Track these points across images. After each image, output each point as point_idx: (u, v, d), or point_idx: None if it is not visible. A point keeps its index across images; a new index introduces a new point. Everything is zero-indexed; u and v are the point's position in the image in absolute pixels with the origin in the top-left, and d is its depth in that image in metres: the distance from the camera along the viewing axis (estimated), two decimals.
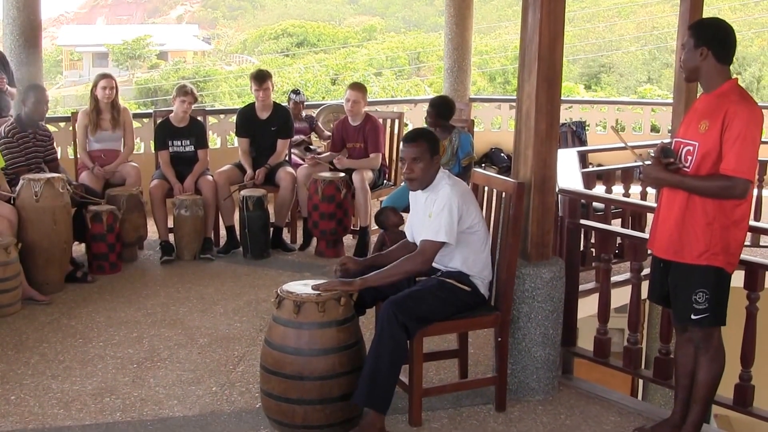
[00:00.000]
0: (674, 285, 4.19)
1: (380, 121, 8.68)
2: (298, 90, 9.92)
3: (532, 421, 4.78)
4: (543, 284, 4.87)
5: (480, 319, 4.81)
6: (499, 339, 4.82)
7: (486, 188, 5.11)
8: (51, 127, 8.22)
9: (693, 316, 4.11)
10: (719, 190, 3.96)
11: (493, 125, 13.11)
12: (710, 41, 4.02)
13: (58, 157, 8.03)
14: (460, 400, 5.02)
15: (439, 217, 4.62)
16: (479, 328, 5.08)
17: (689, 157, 4.04)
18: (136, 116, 10.16)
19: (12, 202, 6.73)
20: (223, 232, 8.33)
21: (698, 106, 4.16)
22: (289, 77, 35.31)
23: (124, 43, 47.75)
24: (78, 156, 8.26)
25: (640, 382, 9.28)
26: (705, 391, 4.26)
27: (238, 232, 8.19)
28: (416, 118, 11.94)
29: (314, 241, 8.33)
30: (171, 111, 8.35)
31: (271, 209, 8.25)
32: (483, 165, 12.37)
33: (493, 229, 4.88)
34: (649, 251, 4.53)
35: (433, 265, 4.84)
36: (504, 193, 4.83)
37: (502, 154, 12.52)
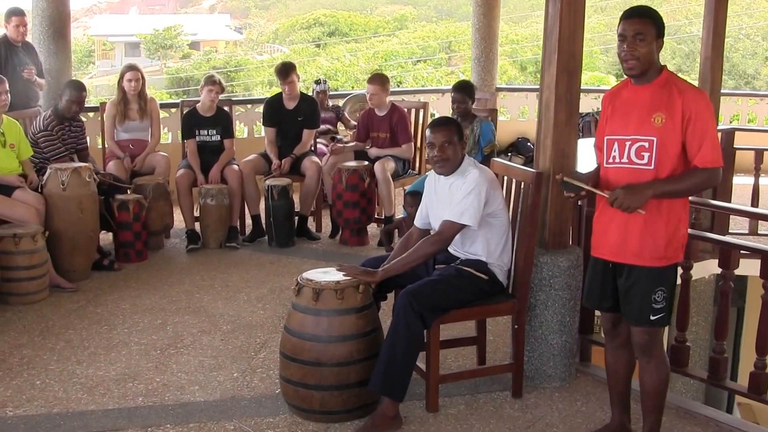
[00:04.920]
0: (628, 287, 4.00)
1: (405, 110, 8.71)
2: (320, 80, 9.98)
3: (548, 408, 4.80)
4: (560, 272, 4.89)
5: (497, 306, 4.84)
6: (516, 326, 4.85)
7: (505, 178, 5.13)
8: (82, 117, 8.31)
9: (652, 317, 3.96)
10: (703, 185, 3.90)
11: (521, 115, 13.10)
12: (663, 31, 3.92)
13: (88, 146, 8.14)
14: (478, 386, 5.05)
15: (466, 200, 4.66)
16: (496, 315, 5.11)
17: (645, 154, 3.87)
18: (164, 106, 10.28)
19: (40, 190, 6.83)
20: (248, 220, 8.41)
21: (639, 97, 3.94)
22: (320, 67, 35.30)
23: (155, 33, 47.79)
24: (106, 145, 8.36)
25: None
26: (657, 399, 4.14)
27: (263, 221, 8.26)
28: (444, 108, 11.95)
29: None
30: (198, 101, 8.43)
31: (296, 198, 8.31)
32: (509, 154, 12.36)
33: (512, 217, 4.90)
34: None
35: (453, 252, 4.90)
36: (523, 183, 4.85)
37: (529, 144, 12.50)
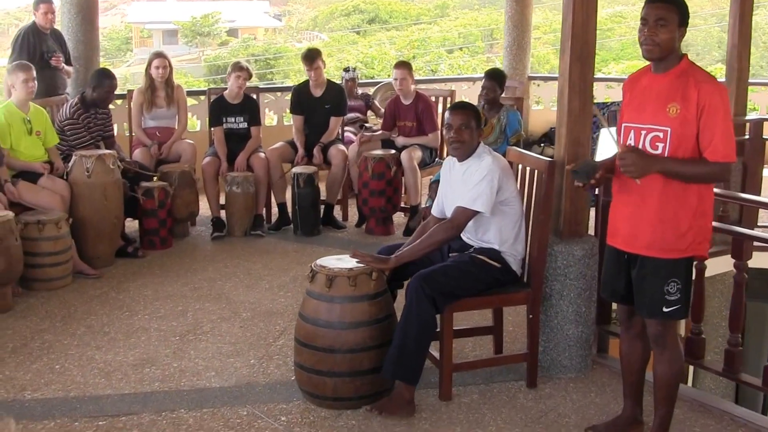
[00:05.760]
0: (642, 278, 3.94)
1: (432, 99, 8.69)
2: (349, 68, 9.98)
3: (562, 398, 4.77)
4: (575, 262, 4.85)
5: (511, 295, 4.82)
6: (530, 316, 4.83)
7: (520, 166, 5.10)
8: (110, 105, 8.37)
9: (665, 309, 3.90)
10: (711, 177, 3.82)
11: (555, 104, 12.94)
12: (686, 19, 3.84)
13: (115, 133, 8.21)
14: (493, 376, 5.03)
15: (478, 187, 4.65)
16: (510, 304, 5.08)
17: (659, 144, 3.80)
18: (193, 93, 10.34)
19: (65, 177, 6.90)
20: (275, 209, 8.43)
21: (656, 86, 3.87)
22: (356, 54, 35.26)
23: (193, 20, 47.85)
24: (133, 133, 8.42)
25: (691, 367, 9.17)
26: (669, 391, 4.08)
27: (289, 209, 8.27)
28: (475, 97, 11.86)
29: None
30: (225, 89, 8.46)
31: (322, 187, 8.32)
32: (542, 144, 12.26)
33: (526, 206, 4.87)
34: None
35: (467, 240, 4.88)
36: (536, 171, 4.81)
37: None
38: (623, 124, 4.00)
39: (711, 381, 8.46)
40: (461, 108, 4.87)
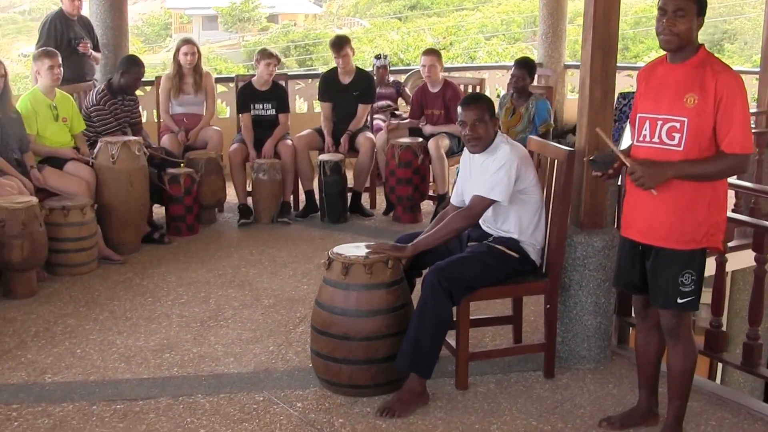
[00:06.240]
0: (656, 269, 3.90)
1: (461, 87, 8.65)
2: (380, 55, 9.96)
3: (579, 389, 4.73)
4: (594, 252, 4.80)
5: (528, 285, 4.78)
6: (548, 306, 4.79)
7: (540, 155, 5.06)
8: (138, 91, 8.41)
9: (679, 300, 3.86)
10: (728, 171, 3.77)
11: None
12: (704, 9, 3.78)
13: (144, 120, 8.25)
14: (511, 365, 5.00)
15: (496, 175, 4.62)
16: (527, 294, 5.05)
17: (675, 134, 3.75)
18: (222, 80, 10.37)
19: (91, 164, 6.95)
20: (303, 196, 8.44)
21: (673, 76, 3.81)
22: (394, 40, 35.13)
23: (233, 6, 47.84)
24: (161, 119, 8.46)
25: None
26: (683, 383, 4.04)
27: (317, 197, 8.28)
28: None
29: None
30: (253, 75, 8.47)
31: (350, 174, 8.32)
32: (576, 134, 12.15)
33: (546, 196, 4.83)
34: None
35: (486, 229, 4.85)
36: (556, 161, 4.77)
37: None
38: (638, 115, 3.94)
39: (739, 375, 8.36)
40: (473, 102, 4.80)
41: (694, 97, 3.70)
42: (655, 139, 3.83)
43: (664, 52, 3.86)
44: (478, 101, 4.81)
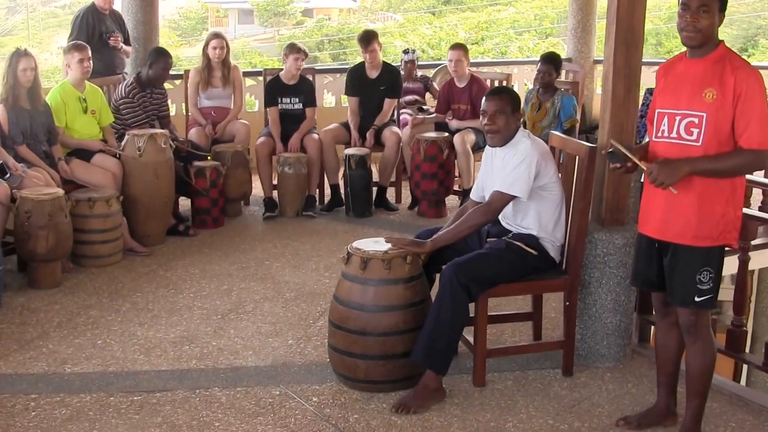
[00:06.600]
0: (673, 266, 3.86)
1: (487, 82, 8.62)
2: (408, 49, 9.93)
3: (597, 387, 4.70)
4: (615, 250, 4.76)
5: (547, 282, 4.75)
6: (567, 303, 4.76)
7: (562, 151, 5.03)
8: (166, 84, 8.46)
9: (697, 298, 3.82)
10: (747, 167, 3.73)
11: None
12: (725, 5, 3.74)
13: (173, 113, 8.29)
14: (529, 363, 4.98)
15: (516, 171, 4.60)
16: (546, 291, 5.01)
17: (694, 130, 3.71)
18: (251, 74, 10.41)
19: (118, 156, 7.00)
20: (328, 190, 8.45)
21: (692, 72, 3.78)
22: (425, 35, 35.06)
23: (268, 1, 48.17)
24: (189, 113, 8.51)
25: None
26: (702, 382, 3.99)
27: (342, 191, 8.28)
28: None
29: None
30: (281, 69, 8.49)
31: (375, 169, 8.31)
32: None
33: (567, 192, 4.80)
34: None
35: (506, 226, 4.83)
36: (577, 157, 4.73)
37: None
38: (657, 110, 3.91)
39: (766, 376, 8.26)
40: (496, 94, 4.81)
41: (712, 92, 3.67)
42: (674, 135, 3.80)
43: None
44: (501, 93, 4.81)
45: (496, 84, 8.83)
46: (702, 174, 3.69)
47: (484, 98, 4.83)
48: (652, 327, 5.28)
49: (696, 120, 3.71)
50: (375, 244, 4.66)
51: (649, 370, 4.86)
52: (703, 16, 3.68)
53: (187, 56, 33.63)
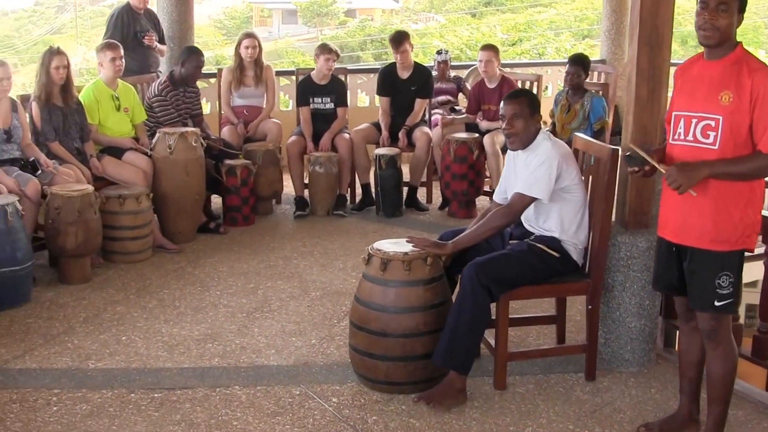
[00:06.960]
0: (693, 270, 3.82)
1: (517, 83, 8.58)
2: (441, 50, 9.92)
3: (620, 392, 4.65)
4: (639, 253, 4.71)
5: (570, 285, 4.71)
6: (590, 307, 4.72)
7: (586, 154, 4.99)
8: (200, 83, 8.52)
9: (717, 303, 3.76)
10: (764, 171, 3.64)
11: None
12: (745, 5, 3.68)
13: (206, 112, 8.34)
14: (552, 366, 4.94)
15: (537, 172, 4.58)
16: (568, 294, 4.97)
17: (710, 132, 3.66)
18: (284, 74, 10.43)
19: (149, 154, 7.05)
20: (359, 189, 8.46)
21: (708, 73, 3.73)
22: (463, 37, 34.98)
23: (312, 1, 48.37)
24: (222, 111, 8.55)
25: None
26: (723, 388, 3.92)
27: (373, 191, 8.28)
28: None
29: None
30: (313, 69, 8.52)
31: (406, 169, 8.31)
32: None
33: (590, 195, 4.76)
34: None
35: (528, 228, 4.81)
36: (600, 159, 4.69)
37: None
38: (673, 113, 3.86)
39: None
40: (513, 97, 4.78)
41: (729, 94, 3.62)
42: (690, 137, 3.76)
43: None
44: (518, 97, 4.79)
45: (527, 85, 8.79)
46: (720, 177, 3.65)
47: (502, 102, 4.80)
48: (678, 332, 5.22)
49: (712, 123, 3.67)
50: (396, 245, 4.65)
51: (674, 376, 4.79)
52: (722, 15, 3.63)
53: (231, 55, 33.92)
